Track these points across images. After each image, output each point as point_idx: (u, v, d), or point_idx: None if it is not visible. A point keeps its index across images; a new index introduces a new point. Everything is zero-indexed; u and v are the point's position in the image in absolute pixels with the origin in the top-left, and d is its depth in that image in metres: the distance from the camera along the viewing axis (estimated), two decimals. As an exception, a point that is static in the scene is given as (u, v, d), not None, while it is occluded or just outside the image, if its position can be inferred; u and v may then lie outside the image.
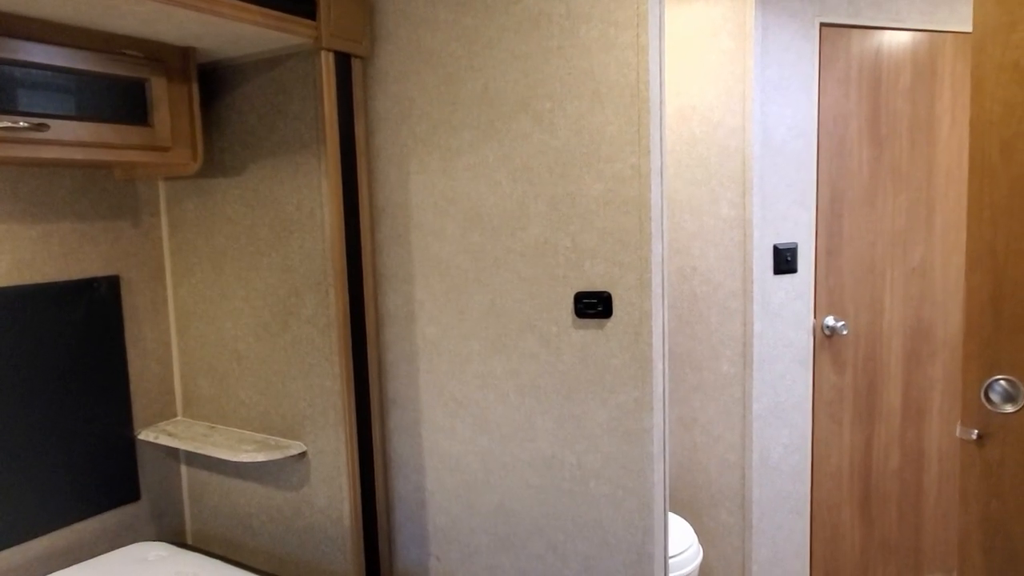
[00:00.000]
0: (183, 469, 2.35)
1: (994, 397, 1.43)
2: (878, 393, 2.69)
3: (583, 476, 1.83)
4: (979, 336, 1.43)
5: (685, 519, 2.66)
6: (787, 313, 2.52)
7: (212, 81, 2.07)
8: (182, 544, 2.34)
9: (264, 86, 1.96)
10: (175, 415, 2.32)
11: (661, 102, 1.69)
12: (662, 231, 1.73)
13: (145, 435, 2.17)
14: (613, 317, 1.74)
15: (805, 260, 2.52)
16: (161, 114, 1.84)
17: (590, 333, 1.77)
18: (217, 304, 2.17)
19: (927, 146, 2.62)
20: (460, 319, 1.96)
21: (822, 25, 2.44)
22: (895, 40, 2.53)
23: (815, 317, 2.57)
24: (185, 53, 1.87)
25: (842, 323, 2.58)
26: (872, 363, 2.66)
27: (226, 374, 2.19)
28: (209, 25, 1.65)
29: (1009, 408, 1.41)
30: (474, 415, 1.97)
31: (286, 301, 2.01)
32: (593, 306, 1.76)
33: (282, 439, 2.09)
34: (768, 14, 2.36)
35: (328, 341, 1.94)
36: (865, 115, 2.54)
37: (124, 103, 1.77)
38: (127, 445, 2.16)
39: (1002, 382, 1.41)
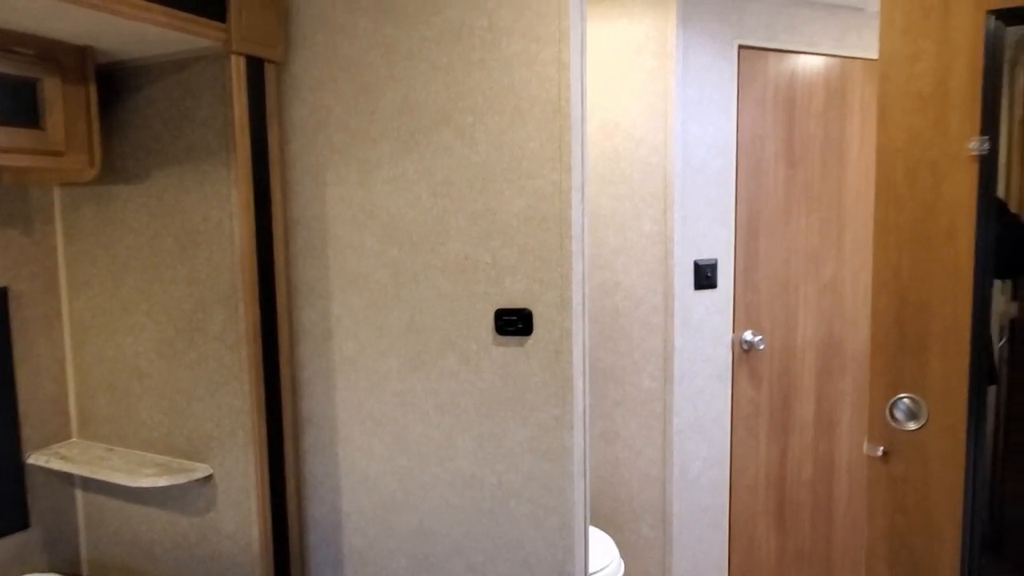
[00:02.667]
0: (78, 494, 2.19)
1: (898, 415, 1.47)
2: (792, 407, 2.76)
3: (503, 495, 1.79)
4: (884, 355, 1.47)
5: (607, 533, 2.66)
6: (707, 328, 2.56)
7: (114, 82, 1.95)
8: (76, 575, 2.18)
9: (170, 89, 1.86)
10: (70, 437, 2.16)
11: (583, 119, 1.69)
12: (583, 248, 1.72)
13: (35, 459, 2.01)
14: (534, 334, 1.72)
15: (724, 276, 2.57)
16: (54, 116, 1.71)
17: (511, 351, 1.75)
18: (117, 318, 2.04)
19: (838, 167, 2.72)
20: (379, 335, 1.90)
21: (740, 47, 2.50)
22: (809, 64, 2.62)
23: (734, 332, 2.62)
24: (82, 52, 1.75)
25: (759, 338, 2.64)
26: (787, 377, 2.74)
27: (126, 393, 2.06)
28: (108, 24, 1.55)
29: (912, 425, 1.46)
30: (393, 434, 1.91)
31: (192, 316, 1.91)
32: (514, 323, 1.74)
33: (186, 461, 1.97)
34: (690, 34, 2.40)
35: (237, 358, 1.84)
36: (781, 136, 2.62)
37: (12, 103, 1.64)
38: (15, 469, 2.00)
39: (906, 400, 1.46)
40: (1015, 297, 1.97)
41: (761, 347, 2.66)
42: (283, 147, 1.94)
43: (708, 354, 2.58)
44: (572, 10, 1.62)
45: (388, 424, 1.91)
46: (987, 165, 1.33)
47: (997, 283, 1.98)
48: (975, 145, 1.32)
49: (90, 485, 2.16)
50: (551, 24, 1.62)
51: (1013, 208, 1.75)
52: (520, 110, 1.67)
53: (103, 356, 2.08)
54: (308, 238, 1.95)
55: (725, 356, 2.61)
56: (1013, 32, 1.32)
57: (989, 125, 1.31)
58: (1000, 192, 1.43)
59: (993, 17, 1.29)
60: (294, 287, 1.98)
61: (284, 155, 1.94)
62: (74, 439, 2.17)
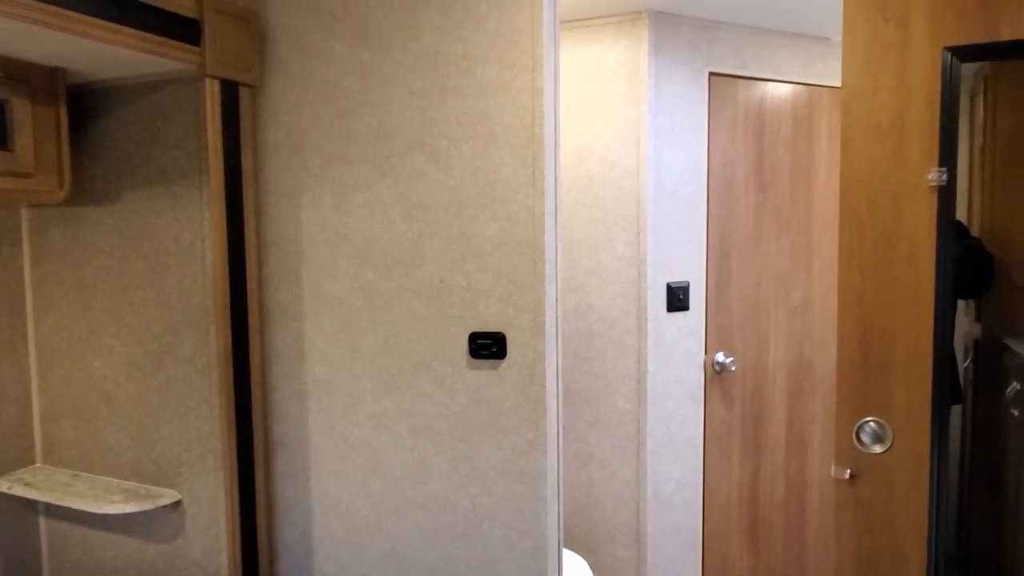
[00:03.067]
0: (42, 521, 2.14)
1: (864, 438, 1.50)
2: (764, 427, 2.79)
3: (477, 519, 1.79)
4: (850, 379, 1.50)
5: (581, 555, 2.65)
6: (679, 350, 2.59)
7: (85, 103, 1.94)
8: (38, 605, 2.13)
9: (143, 111, 1.85)
10: (34, 462, 2.12)
11: (556, 145, 1.71)
12: (556, 273, 1.73)
13: (-4, 485, 1.97)
14: (507, 358, 1.73)
15: (697, 298, 2.60)
16: (23, 138, 1.69)
17: (484, 374, 1.75)
18: (85, 341, 2.01)
19: (806, 192, 2.78)
20: (352, 358, 1.89)
21: (711, 74, 2.56)
22: (777, 91, 2.69)
23: (706, 354, 2.65)
24: (53, 73, 1.74)
25: (731, 359, 2.68)
26: (759, 398, 2.77)
27: (93, 417, 2.02)
28: (79, 46, 1.54)
29: (878, 449, 1.49)
30: (366, 457, 1.90)
31: (162, 339, 1.88)
32: (488, 347, 1.74)
33: (154, 487, 1.94)
34: (661, 62, 2.45)
35: (207, 381, 1.82)
36: (751, 161, 2.67)
37: (-20, 123, 1.62)
38: (-26, 497, 1.95)
39: (872, 423, 1.49)
40: (978, 318, 2.03)
41: (733, 368, 2.69)
42: (257, 170, 1.93)
43: (681, 375, 2.60)
44: (546, 39, 1.64)
45: (361, 447, 1.90)
46: (946, 195, 1.37)
47: (961, 304, 2.03)
48: (934, 176, 1.36)
49: (54, 512, 2.11)
50: (525, 52, 1.65)
51: (973, 231, 1.81)
52: (494, 136, 1.69)
53: (70, 379, 2.05)
54: (282, 260, 1.94)
55: (698, 377, 2.64)
56: (968, 67, 1.37)
57: (947, 157, 1.36)
58: (962, 215, 1.48)
59: (949, 53, 1.34)
60: (267, 309, 1.97)
61: (258, 178, 1.94)
62: (38, 464, 2.12)
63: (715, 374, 2.68)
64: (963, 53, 1.33)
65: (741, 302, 2.70)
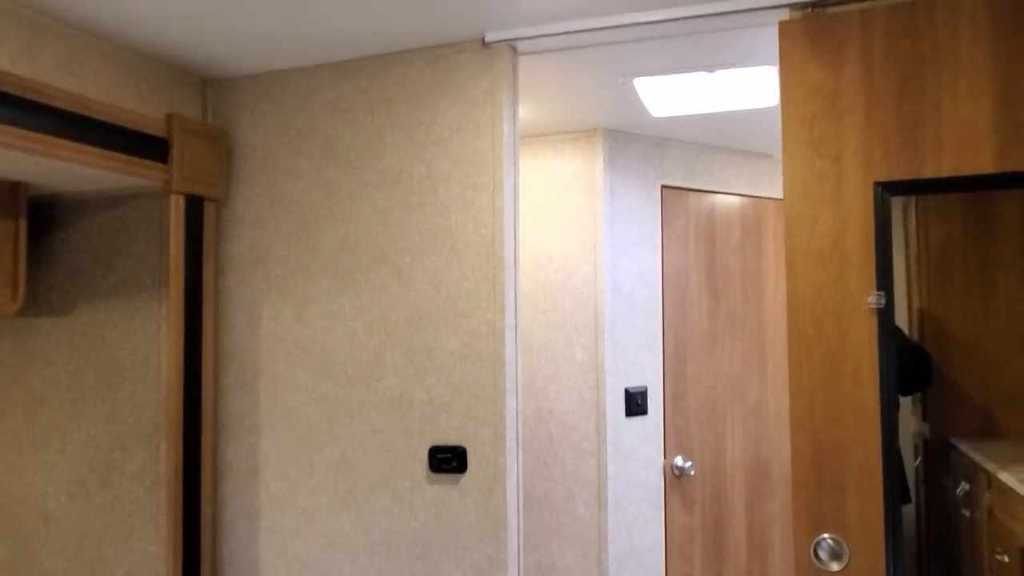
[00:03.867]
0: (-38, 653, 1.98)
1: (822, 555, 1.51)
2: (725, 531, 2.78)
3: (434, 645, 1.72)
4: (804, 494, 1.53)
5: (544, 674, 2.55)
6: (639, 454, 2.59)
7: (46, 214, 1.94)
8: None
9: (105, 224, 1.86)
10: (-41, 586, 1.98)
11: (516, 262, 1.76)
12: (517, 386, 1.75)
13: (-85, 615, 1.83)
14: (468, 472, 1.71)
15: (654, 402, 2.63)
16: (-21, 250, 1.68)
17: (444, 488, 1.73)
18: (27, 456, 1.93)
19: (757, 297, 2.88)
20: (309, 472, 1.85)
21: (663, 187, 2.69)
22: (726, 203, 2.83)
23: (665, 457, 2.66)
24: (14, 188, 1.74)
25: (689, 463, 2.69)
26: (718, 501, 2.77)
27: (30, 537, 1.91)
28: (45, 164, 1.56)
29: (835, 566, 1.50)
30: (319, 578, 1.83)
31: (109, 455, 1.82)
32: (448, 461, 1.73)
33: (91, 615, 1.83)
34: (616, 175, 2.57)
35: (155, 500, 1.76)
36: (703, 268, 2.77)
37: (-65, 237, 1.61)
38: None
39: (828, 540, 1.50)
40: (925, 418, 2.09)
41: (692, 472, 2.70)
42: (218, 281, 1.94)
43: (641, 480, 2.59)
44: (506, 161, 1.72)
45: (315, 567, 1.83)
46: (885, 317, 1.44)
47: (907, 404, 2.10)
48: (873, 300, 1.44)
49: (-23, 642, 1.96)
50: (486, 173, 1.72)
51: (913, 333, 1.90)
52: (456, 251, 1.74)
53: (8, 496, 1.95)
54: (240, 372, 1.92)
55: (657, 482, 2.64)
56: (897, 200, 1.48)
57: (884, 282, 1.44)
58: (902, 318, 1.55)
59: (880, 188, 1.44)
60: (221, 422, 1.93)
61: (219, 289, 1.94)
62: (-37, 589, 1.98)
63: (675, 478, 2.68)
64: (892, 188, 1.44)
65: (698, 405, 2.74)
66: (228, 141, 1.92)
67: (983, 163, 1.39)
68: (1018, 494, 1.72)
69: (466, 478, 1.71)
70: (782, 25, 1.52)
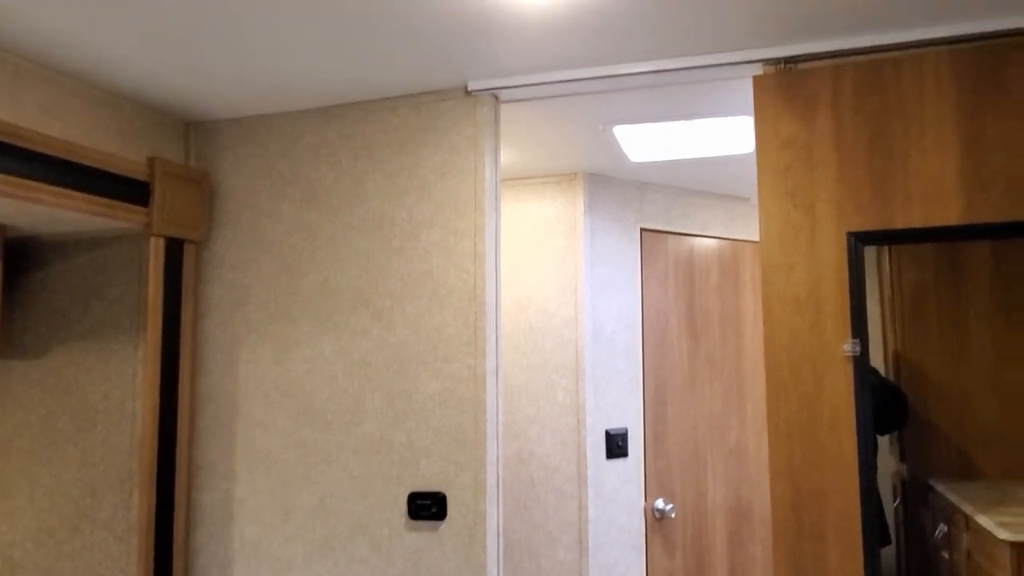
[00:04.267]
0: None
1: (803, 603, 1.51)
2: (706, 574, 2.76)
3: None
4: (785, 543, 1.53)
5: None
6: (620, 497, 2.58)
7: (23, 256, 1.92)
8: None
9: (83, 266, 1.84)
10: (-84, 640, 1.90)
11: (497, 307, 1.77)
12: (497, 431, 1.74)
13: None
14: (447, 519, 1.69)
15: (635, 444, 2.63)
16: (-48, 292, 1.65)
17: (423, 536, 1.70)
18: (-7, 502, 1.88)
19: (736, 338, 2.91)
20: (285, 519, 1.81)
21: (642, 230, 2.72)
22: (704, 245, 2.87)
23: (646, 500, 2.65)
24: (-8, 229, 1.73)
25: (670, 506, 2.68)
26: (699, 544, 2.75)
27: (-7, 587, 1.85)
28: (26, 208, 1.55)
29: (816, 614, 1.49)
30: (293, 629, 1.79)
31: (80, 502, 1.78)
32: (427, 507, 1.71)
33: (55, 670, 1.76)
34: (596, 218, 2.61)
35: (126, 549, 1.71)
36: (682, 309, 2.80)
37: (-93, 279, 1.58)
38: None
39: (808, 588, 1.50)
40: (903, 458, 2.11)
41: (673, 515, 2.68)
42: (197, 323, 1.92)
43: (622, 523, 2.58)
44: (488, 206, 1.74)
45: (289, 618, 1.79)
46: (860, 365, 1.47)
47: (885, 444, 2.12)
48: (848, 347, 1.47)
49: None
50: (468, 219, 1.74)
51: (889, 373, 1.92)
52: (437, 296, 1.74)
53: (-30, 545, 1.89)
54: (216, 415, 1.90)
55: (639, 525, 2.62)
56: (869, 249, 1.51)
57: (859, 329, 1.47)
58: (877, 359, 1.56)
59: (852, 237, 1.48)
60: (196, 467, 1.90)
61: (197, 331, 1.92)
62: (-79, 643, 1.91)
63: (656, 521, 2.67)
64: (864, 238, 1.47)
65: (678, 447, 2.74)
66: (210, 183, 1.93)
67: (950, 215, 1.43)
68: (996, 537, 1.73)
69: (445, 525, 1.69)
70: (756, 79, 1.57)
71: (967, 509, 1.86)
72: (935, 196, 1.44)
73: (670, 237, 2.79)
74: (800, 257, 1.51)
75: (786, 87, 1.54)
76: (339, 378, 1.80)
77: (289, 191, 1.89)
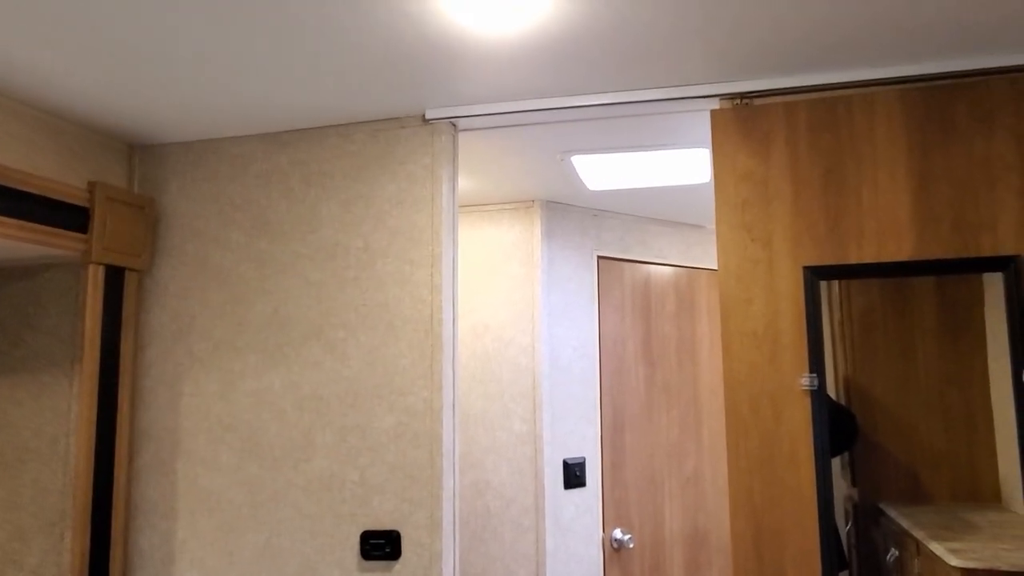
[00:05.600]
0: None
1: (763, 640, 1.49)
2: (664, 605, 2.73)
3: None
4: (745, 578, 1.51)
5: None
6: (578, 528, 2.54)
7: (-51, 281, 1.80)
8: None
9: (13, 296, 1.74)
10: None
11: (454, 338, 1.73)
12: (454, 466, 1.70)
13: None
14: (402, 559, 1.63)
15: (593, 473, 2.60)
16: None
17: (376, 577, 1.64)
18: (-92, 549, 1.74)
19: (692, 365, 2.92)
20: (229, 562, 1.73)
21: (599, 257, 2.72)
22: (661, 273, 2.88)
23: (604, 531, 2.62)
24: (-86, 256, 1.62)
25: (628, 536, 2.65)
26: (657, 573, 2.73)
27: (-95, 642, 1.71)
28: (-50, 233, 1.45)
29: (776, 652, 1.48)
30: None
31: (6, 547, 1.66)
32: (380, 547, 1.65)
33: None
34: (553, 246, 2.59)
35: (56, 598, 1.61)
36: (639, 337, 2.80)
37: None
38: None
39: (768, 625, 1.49)
40: (855, 482, 2.12)
41: (631, 545, 2.66)
42: (137, 355, 1.83)
43: (580, 555, 2.54)
44: (444, 237, 1.71)
45: (233, 667, 1.70)
46: (818, 399, 1.47)
47: (837, 467, 2.13)
48: (806, 381, 1.47)
49: None
50: (424, 248, 1.70)
51: (840, 396, 1.93)
52: (393, 327, 1.70)
53: None
54: (156, 452, 1.80)
55: (596, 556, 2.58)
56: (824, 284, 1.53)
57: (816, 364, 1.47)
58: (829, 381, 1.57)
59: (808, 272, 1.49)
60: (134, 506, 1.80)
61: (137, 363, 1.83)
62: None
63: (614, 551, 2.64)
64: (820, 272, 1.49)
65: (636, 475, 2.72)
66: (155, 209, 1.85)
67: (903, 250, 1.45)
68: (948, 564, 1.75)
69: (400, 565, 1.63)
70: (714, 114, 1.58)
71: (918, 535, 1.88)
72: (888, 232, 1.46)
73: (627, 264, 2.79)
74: (758, 290, 1.51)
75: (743, 122, 1.56)
76: (288, 412, 1.73)
77: (238, 218, 1.82)
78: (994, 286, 1.51)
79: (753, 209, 1.53)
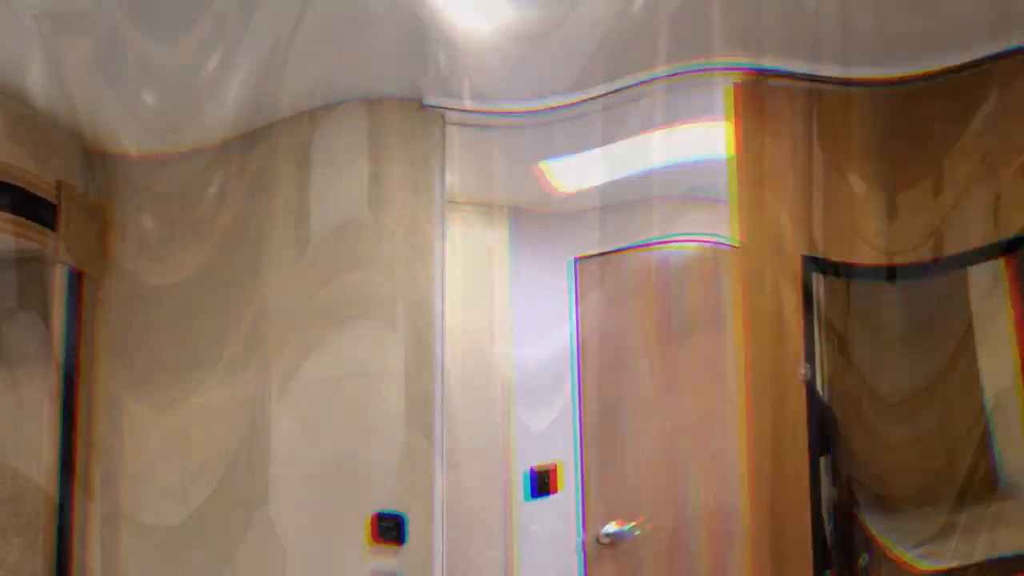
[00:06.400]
0: None
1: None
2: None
3: None
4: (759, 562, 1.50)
5: None
6: (547, 535, 2.46)
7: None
8: None
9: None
10: None
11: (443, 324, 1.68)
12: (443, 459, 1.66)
13: None
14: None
15: (569, 478, 2.53)
16: None
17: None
18: None
19: (711, 344, 2.81)
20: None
21: (577, 256, 2.64)
22: (649, 260, 2.76)
23: (585, 532, 2.54)
24: None
25: (629, 526, 2.53)
26: (673, 558, 2.64)
27: None
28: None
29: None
30: None
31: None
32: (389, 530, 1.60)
33: None
34: (524, 247, 2.54)
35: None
36: (651, 321, 2.66)
37: None
38: None
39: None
40: (835, 482, 2.12)
41: (632, 535, 2.56)
42: (93, 363, 1.73)
43: (551, 562, 2.48)
44: (435, 232, 1.68)
45: None
46: (812, 388, 1.47)
47: (823, 465, 2.13)
48: (803, 370, 1.48)
49: None
50: (420, 237, 1.66)
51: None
52: (370, 324, 1.66)
53: None
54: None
55: (571, 561, 2.52)
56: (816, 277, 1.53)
57: (810, 353, 1.48)
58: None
59: (808, 261, 1.49)
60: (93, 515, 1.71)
61: (92, 371, 1.73)
62: None
63: (603, 548, 2.58)
64: (817, 264, 1.48)
65: (643, 461, 2.62)
66: (107, 217, 1.78)
67: (896, 248, 1.47)
68: (917, 568, 1.74)
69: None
70: (733, 89, 1.55)
71: (889, 539, 1.87)
72: (883, 229, 1.47)
73: (612, 257, 2.74)
74: (768, 272, 1.51)
75: (760, 99, 1.54)
76: (242, 427, 1.67)
77: (192, 228, 1.75)
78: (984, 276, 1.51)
79: (765, 189, 1.53)
